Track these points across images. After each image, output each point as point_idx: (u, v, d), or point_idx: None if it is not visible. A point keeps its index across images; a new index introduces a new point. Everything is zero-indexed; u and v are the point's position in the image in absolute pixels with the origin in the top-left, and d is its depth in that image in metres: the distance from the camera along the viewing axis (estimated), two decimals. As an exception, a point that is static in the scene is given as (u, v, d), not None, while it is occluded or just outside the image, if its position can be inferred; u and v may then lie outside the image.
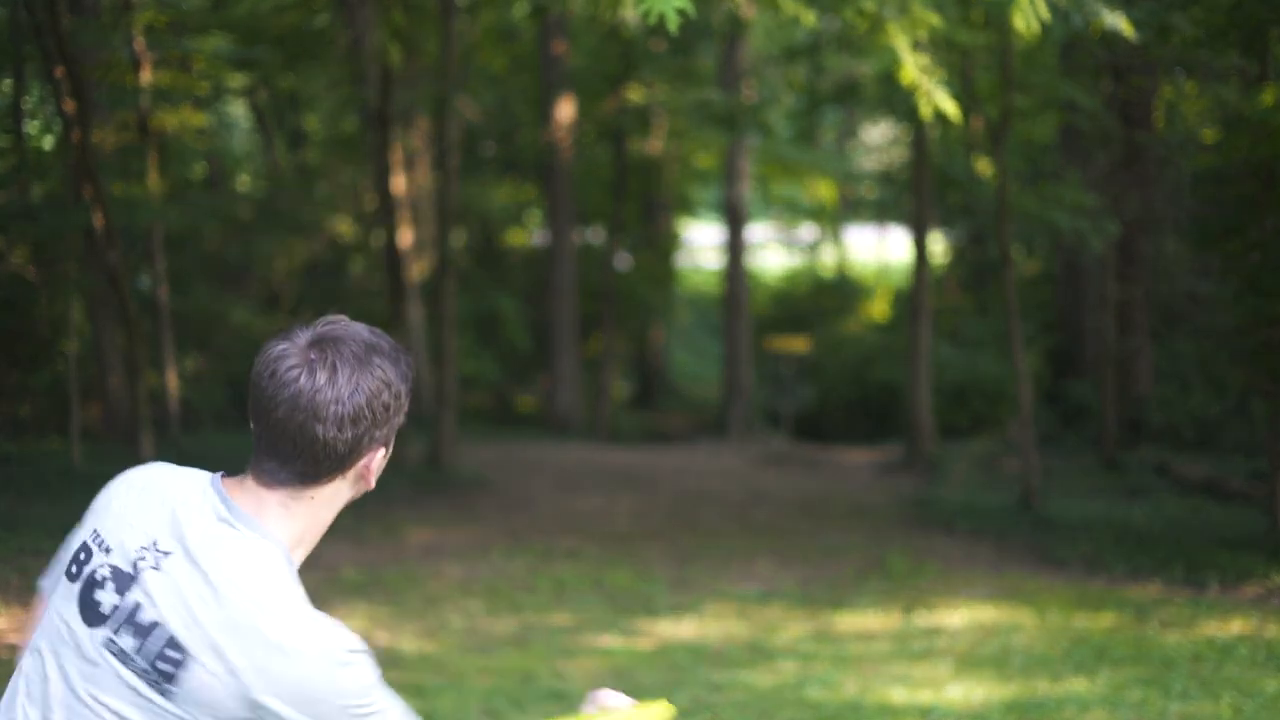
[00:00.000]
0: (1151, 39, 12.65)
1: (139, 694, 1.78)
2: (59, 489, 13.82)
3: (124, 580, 1.83)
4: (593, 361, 24.15)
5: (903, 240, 28.89)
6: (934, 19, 5.20)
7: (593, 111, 23.84)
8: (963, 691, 7.22)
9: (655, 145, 25.83)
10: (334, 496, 1.92)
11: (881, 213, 32.26)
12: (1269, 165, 11.85)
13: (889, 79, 13.49)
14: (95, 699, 1.80)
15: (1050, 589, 10.31)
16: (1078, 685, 7.41)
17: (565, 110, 21.56)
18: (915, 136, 17.76)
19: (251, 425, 1.89)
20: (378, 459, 1.93)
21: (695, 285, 36.30)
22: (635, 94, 22.63)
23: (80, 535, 1.96)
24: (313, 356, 1.83)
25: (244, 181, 25.36)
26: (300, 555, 1.95)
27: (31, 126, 16.49)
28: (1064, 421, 20.08)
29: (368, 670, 1.81)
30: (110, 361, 16.78)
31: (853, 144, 36.14)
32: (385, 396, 1.87)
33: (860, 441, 23.08)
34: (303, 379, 1.82)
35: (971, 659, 8.02)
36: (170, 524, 1.86)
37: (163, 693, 1.77)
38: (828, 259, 36.91)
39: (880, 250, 38.19)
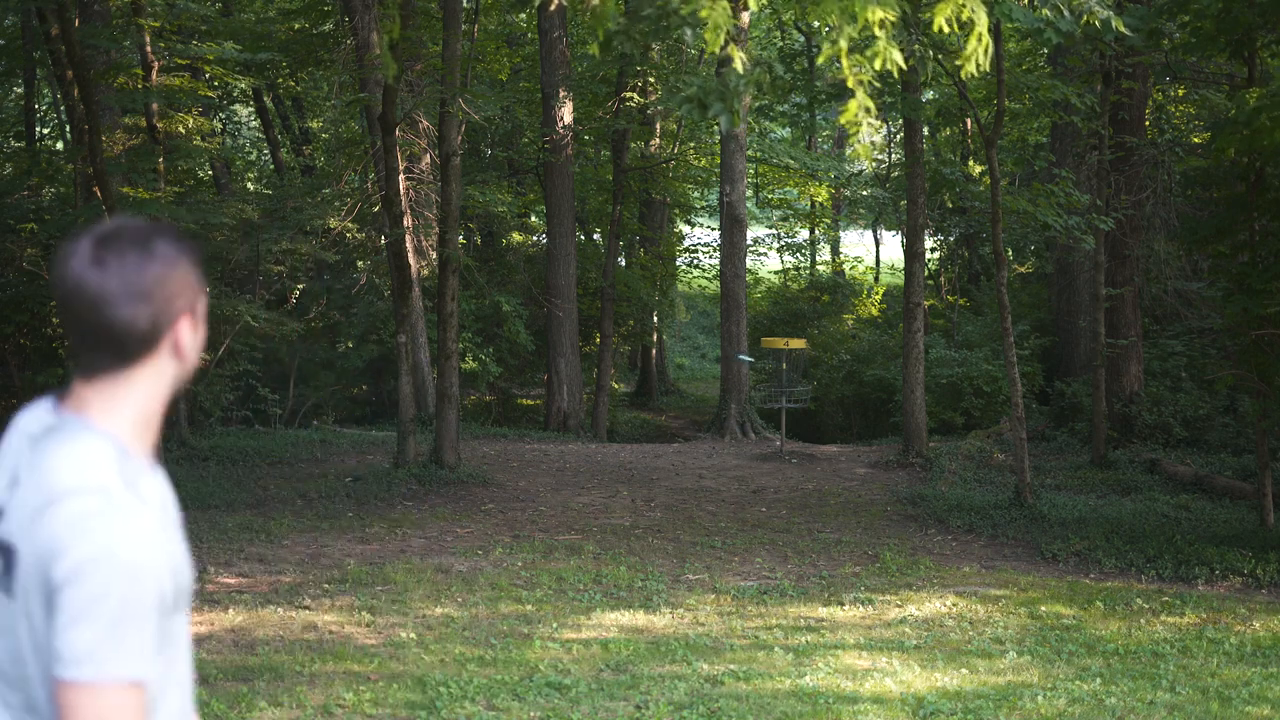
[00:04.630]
0: (1142, 43, 12.86)
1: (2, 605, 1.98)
2: (68, 486, 13.95)
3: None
4: (592, 360, 24.29)
5: (897, 240, 29.03)
6: (898, 55, 5.31)
7: (592, 114, 24.01)
8: (956, 682, 7.38)
9: (653, 146, 25.99)
10: (157, 375, 2.06)
11: (877, 213, 32.43)
12: (1257, 167, 12.04)
13: (884, 80, 13.62)
14: None
15: (1042, 583, 10.49)
16: (1069, 676, 7.58)
17: (565, 113, 21.71)
18: (909, 138, 17.92)
19: (66, 335, 2.06)
20: (185, 333, 2.07)
21: (693, 285, 36.40)
22: (632, 98, 22.79)
23: None
24: (98, 252, 1.99)
25: (250, 182, 25.50)
26: (147, 435, 2.11)
27: (42, 130, 16.66)
28: (1056, 419, 20.27)
29: (95, 526, 1.91)
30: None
31: (849, 147, 36.22)
32: (170, 271, 2.02)
33: (856, 439, 23.23)
34: (91, 272, 1.97)
35: (965, 651, 8.19)
36: (17, 456, 2.04)
37: (6, 590, 1.96)
38: (823, 259, 37.03)
39: (875, 250, 38.34)
